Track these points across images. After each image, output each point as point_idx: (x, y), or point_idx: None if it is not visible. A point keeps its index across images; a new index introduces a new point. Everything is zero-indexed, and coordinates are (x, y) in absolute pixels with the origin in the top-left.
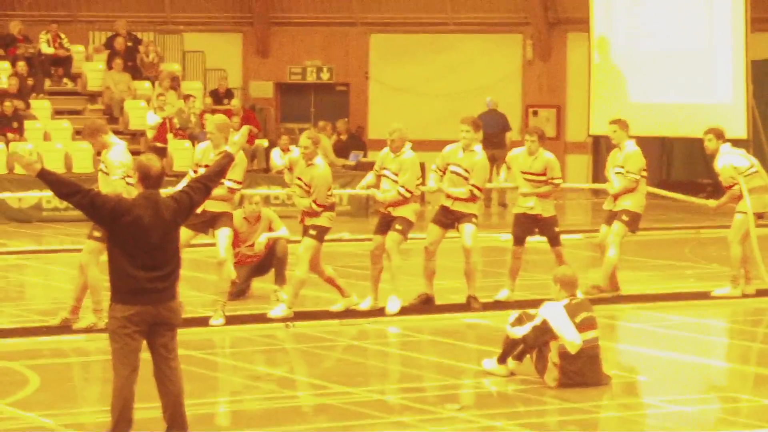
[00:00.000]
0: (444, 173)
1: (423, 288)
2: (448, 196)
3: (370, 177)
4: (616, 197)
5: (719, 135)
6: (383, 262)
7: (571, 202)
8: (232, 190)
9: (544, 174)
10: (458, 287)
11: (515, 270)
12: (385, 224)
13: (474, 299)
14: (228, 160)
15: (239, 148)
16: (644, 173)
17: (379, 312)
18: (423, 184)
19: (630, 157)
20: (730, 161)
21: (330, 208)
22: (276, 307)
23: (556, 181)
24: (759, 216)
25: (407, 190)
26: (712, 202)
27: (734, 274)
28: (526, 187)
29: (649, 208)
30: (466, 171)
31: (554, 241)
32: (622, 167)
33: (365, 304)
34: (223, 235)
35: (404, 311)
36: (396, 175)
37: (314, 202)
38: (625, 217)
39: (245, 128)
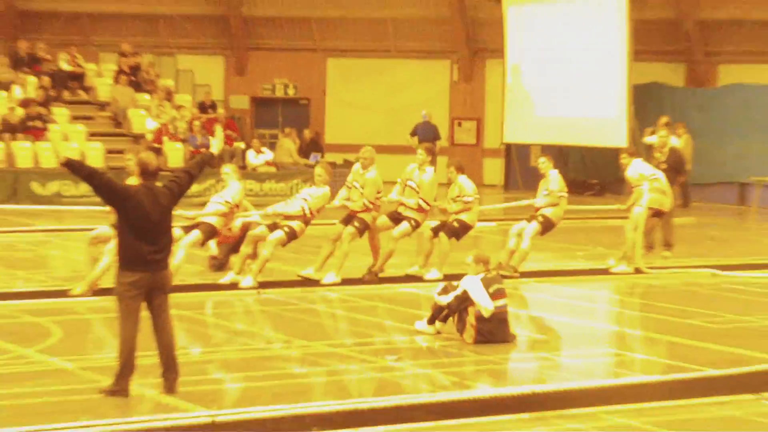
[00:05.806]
0: (404, 188)
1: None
2: (402, 204)
3: (344, 192)
4: (537, 209)
5: (632, 153)
6: (335, 245)
7: (487, 197)
8: (231, 210)
9: (460, 196)
10: (397, 263)
11: (429, 252)
12: (348, 218)
13: (373, 274)
14: (210, 156)
15: (220, 147)
16: (564, 194)
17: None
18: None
19: (555, 181)
20: (638, 169)
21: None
22: (245, 278)
23: (465, 199)
24: (655, 213)
25: (370, 202)
26: (622, 206)
27: (626, 253)
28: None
29: None
30: (419, 187)
31: (449, 231)
32: (548, 189)
33: (329, 279)
34: (193, 234)
35: (349, 282)
36: (363, 188)
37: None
38: (541, 219)
39: (219, 131)
